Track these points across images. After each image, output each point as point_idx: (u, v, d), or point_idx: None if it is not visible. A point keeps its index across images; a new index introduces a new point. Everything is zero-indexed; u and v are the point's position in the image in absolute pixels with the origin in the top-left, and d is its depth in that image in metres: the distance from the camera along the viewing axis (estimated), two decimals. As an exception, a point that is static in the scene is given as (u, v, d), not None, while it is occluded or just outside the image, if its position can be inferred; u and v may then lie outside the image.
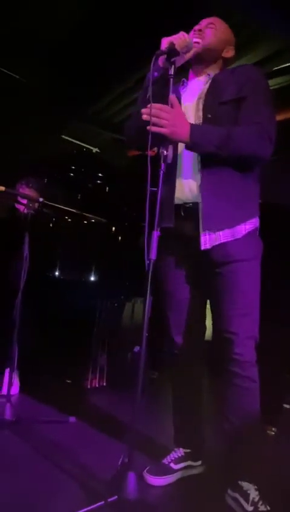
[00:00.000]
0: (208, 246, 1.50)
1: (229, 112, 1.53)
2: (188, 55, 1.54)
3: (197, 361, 1.72)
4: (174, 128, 1.42)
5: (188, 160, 1.57)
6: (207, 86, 1.60)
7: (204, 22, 1.64)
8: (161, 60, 1.48)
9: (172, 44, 1.44)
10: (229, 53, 1.68)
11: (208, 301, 1.66)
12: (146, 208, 1.38)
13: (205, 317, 1.71)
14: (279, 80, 3.41)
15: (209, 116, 1.54)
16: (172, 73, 1.45)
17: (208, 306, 1.68)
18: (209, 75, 1.63)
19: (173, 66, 1.45)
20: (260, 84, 1.55)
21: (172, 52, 1.44)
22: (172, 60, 1.44)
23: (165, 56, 1.45)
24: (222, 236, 1.50)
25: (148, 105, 1.42)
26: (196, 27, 1.62)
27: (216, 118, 1.53)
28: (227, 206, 1.51)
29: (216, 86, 1.57)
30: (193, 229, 1.53)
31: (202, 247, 1.50)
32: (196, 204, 1.53)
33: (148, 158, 1.39)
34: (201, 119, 1.55)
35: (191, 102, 1.61)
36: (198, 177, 1.53)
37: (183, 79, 1.71)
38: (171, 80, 1.45)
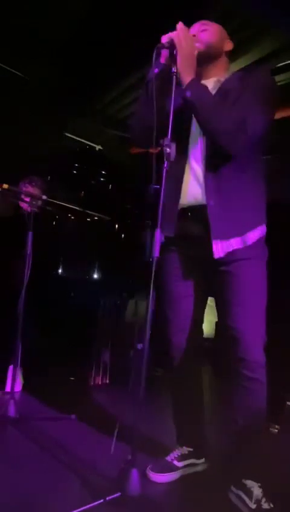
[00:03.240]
0: (221, 255, 1.49)
1: None
2: None
3: (195, 361, 1.71)
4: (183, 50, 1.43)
5: (193, 162, 1.56)
6: (215, 91, 1.57)
7: (195, 28, 1.62)
8: (163, 56, 1.48)
9: (171, 40, 1.44)
10: (229, 45, 1.66)
11: (209, 301, 1.66)
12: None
13: (203, 316, 1.71)
14: (281, 77, 3.40)
15: None
16: (175, 70, 1.45)
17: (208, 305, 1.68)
18: (218, 80, 1.60)
19: (175, 64, 1.44)
20: (261, 83, 1.52)
21: (171, 47, 1.44)
22: (173, 55, 1.44)
23: (168, 52, 1.45)
24: (233, 244, 1.49)
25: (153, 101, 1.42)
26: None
27: None
28: (235, 214, 1.50)
29: (223, 91, 1.55)
30: (199, 230, 1.53)
31: (215, 256, 1.49)
32: (203, 206, 1.52)
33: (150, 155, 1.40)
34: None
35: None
36: (202, 180, 1.53)
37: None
38: (174, 77, 1.44)
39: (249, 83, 1.51)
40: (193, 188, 1.56)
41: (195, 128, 1.58)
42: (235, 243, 1.50)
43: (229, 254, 1.50)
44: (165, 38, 1.45)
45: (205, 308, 1.70)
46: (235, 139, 1.44)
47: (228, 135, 1.44)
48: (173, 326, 1.66)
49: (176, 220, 1.57)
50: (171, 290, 1.66)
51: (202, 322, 1.71)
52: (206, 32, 1.60)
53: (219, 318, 1.57)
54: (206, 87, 1.51)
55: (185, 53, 1.44)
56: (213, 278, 1.56)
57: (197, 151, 1.56)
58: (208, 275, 1.58)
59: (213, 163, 1.52)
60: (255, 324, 1.49)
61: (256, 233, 1.52)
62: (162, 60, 1.49)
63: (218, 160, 1.51)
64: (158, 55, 1.46)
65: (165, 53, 1.48)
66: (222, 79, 1.61)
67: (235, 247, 1.49)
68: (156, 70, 1.49)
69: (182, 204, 1.57)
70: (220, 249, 1.49)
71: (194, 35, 1.58)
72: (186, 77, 1.46)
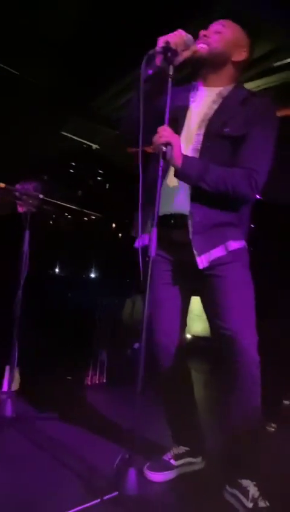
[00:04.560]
0: (206, 265, 1.50)
1: (229, 146, 1.51)
2: (186, 54, 1.48)
3: (182, 359, 1.70)
4: (174, 140, 1.42)
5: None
6: (215, 107, 1.56)
7: (212, 28, 1.58)
8: (159, 59, 1.44)
9: (167, 43, 1.41)
10: (241, 56, 1.59)
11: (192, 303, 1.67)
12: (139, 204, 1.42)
13: (187, 319, 1.71)
14: (279, 77, 3.40)
15: (209, 144, 1.52)
16: (171, 73, 1.43)
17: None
18: (220, 93, 1.58)
19: (171, 66, 1.42)
20: (266, 124, 1.52)
21: (167, 51, 1.41)
22: (168, 58, 1.42)
23: (163, 55, 1.42)
24: (217, 252, 1.51)
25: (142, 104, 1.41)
26: (202, 32, 1.56)
27: (215, 147, 1.52)
28: (217, 229, 1.52)
29: (223, 111, 1.54)
30: (182, 237, 1.52)
31: (200, 267, 1.50)
32: (185, 215, 1.52)
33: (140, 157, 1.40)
34: (201, 144, 1.53)
35: (195, 118, 1.58)
36: (187, 192, 1.52)
37: (194, 83, 1.66)
38: (170, 80, 1.43)
39: (255, 122, 1.50)
40: (177, 195, 1.55)
41: (186, 133, 1.57)
42: (218, 251, 1.51)
43: (213, 260, 1.51)
44: (161, 42, 1.42)
45: (187, 310, 1.71)
46: (251, 192, 1.49)
47: (245, 194, 1.49)
48: (160, 328, 1.64)
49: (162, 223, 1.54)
50: (156, 293, 1.63)
51: (185, 323, 1.71)
52: (216, 36, 1.55)
53: (210, 320, 1.56)
54: (203, 166, 1.47)
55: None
56: (198, 281, 1.56)
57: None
58: (191, 278, 1.58)
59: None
60: (249, 324, 1.49)
61: (237, 244, 1.54)
62: (158, 63, 1.45)
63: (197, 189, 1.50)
64: (150, 60, 1.43)
65: (160, 57, 1.44)
66: (225, 92, 1.58)
67: (218, 255, 1.50)
68: (150, 71, 1.47)
69: (165, 210, 1.54)
70: (204, 260, 1.50)
71: (205, 35, 1.55)
72: (178, 162, 1.44)
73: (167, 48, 1.41)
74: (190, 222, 1.51)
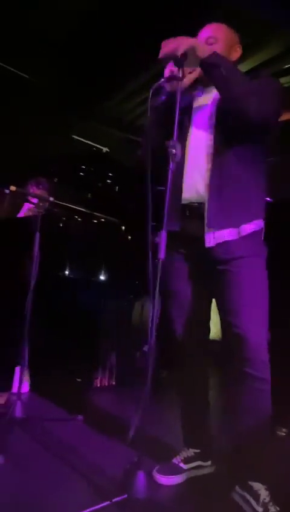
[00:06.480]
0: (212, 244, 1.50)
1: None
2: (194, 75, 1.53)
3: (202, 361, 1.70)
4: (189, 41, 1.41)
5: (194, 161, 1.57)
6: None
7: (202, 36, 1.62)
8: (167, 86, 1.51)
9: (171, 73, 1.46)
10: (237, 53, 1.65)
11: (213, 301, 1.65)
12: (148, 207, 1.43)
13: (210, 316, 1.70)
14: (287, 79, 3.39)
15: (221, 117, 1.53)
16: (181, 75, 1.44)
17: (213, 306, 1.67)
18: None
19: (180, 70, 1.44)
20: (271, 83, 1.54)
21: (173, 79, 1.45)
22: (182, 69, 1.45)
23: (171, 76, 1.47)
24: (226, 235, 1.50)
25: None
26: None
27: (228, 120, 1.52)
28: (232, 206, 1.51)
29: None
30: (198, 228, 1.53)
31: (207, 245, 1.50)
32: (201, 204, 1.54)
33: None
34: (214, 118, 1.55)
35: (205, 103, 1.60)
36: (205, 178, 1.53)
37: (200, 87, 1.68)
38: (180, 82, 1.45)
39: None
40: (190, 186, 1.56)
41: (196, 126, 1.59)
42: (228, 233, 1.49)
43: (226, 249, 1.49)
44: (167, 72, 1.48)
45: (210, 308, 1.70)
46: (254, 107, 1.42)
47: (249, 107, 1.43)
48: (178, 326, 1.66)
49: (178, 216, 1.57)
50: (173, 290, 1.66)
51: (207, 322, 1.70)
52: (212, 47, 1.57)
53: (221, 318, 1.56)
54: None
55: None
56: (213, 277, 1.56)
57: (200, 149, 1.56)
58: (208, 274, 1.58)
59: (218, 162, 1.52)
60: (260, 323, 1.48)
61: (251, 226, 1.52)
62: (167, 87, 1.52)
63: (223, 159, 1.51)
64: (158, 91, 1.50)
65: (167, 84, 1.50)
66: None
67: (228, 238, 1.49)
68: (163, 97, 1.54)
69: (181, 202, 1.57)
70: (212, 238, 1.50)
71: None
72: (206, 52, 1.43)
73: (172, 77, 1.45)
74: (205, 211, 1.51)
